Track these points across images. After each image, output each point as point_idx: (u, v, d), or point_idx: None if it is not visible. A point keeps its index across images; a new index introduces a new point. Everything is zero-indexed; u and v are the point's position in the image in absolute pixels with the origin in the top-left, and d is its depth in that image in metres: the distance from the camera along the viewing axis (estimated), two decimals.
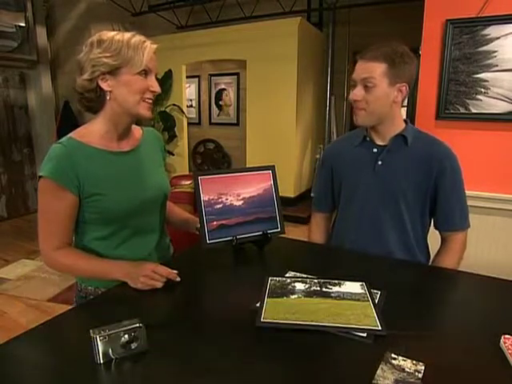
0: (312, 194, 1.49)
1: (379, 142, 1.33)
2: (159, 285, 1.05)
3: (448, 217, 1.35)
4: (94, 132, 1.09)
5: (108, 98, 1.05)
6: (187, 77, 5.82)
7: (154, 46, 1.09)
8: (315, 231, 1.60)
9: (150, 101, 1.08)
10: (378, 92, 1.22)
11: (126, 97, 1.04)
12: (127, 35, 1.04)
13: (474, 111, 2.06)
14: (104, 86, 1.04)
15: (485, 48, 2.00)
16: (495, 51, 1.98)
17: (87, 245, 1.14)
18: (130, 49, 1.02)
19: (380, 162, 1.32)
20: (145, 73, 1.05)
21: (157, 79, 1.11)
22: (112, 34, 1.04)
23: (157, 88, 1.07)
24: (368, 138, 1.35)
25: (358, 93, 1.24)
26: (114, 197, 1.08)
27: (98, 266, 1.09)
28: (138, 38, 1.05)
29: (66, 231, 1.08)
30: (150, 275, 1.04)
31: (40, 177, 1.03)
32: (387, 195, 1.32)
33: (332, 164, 1.47)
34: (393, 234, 1.35)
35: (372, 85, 1.22)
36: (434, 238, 1.44)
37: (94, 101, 1.07)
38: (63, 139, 1.07)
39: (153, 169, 1.22)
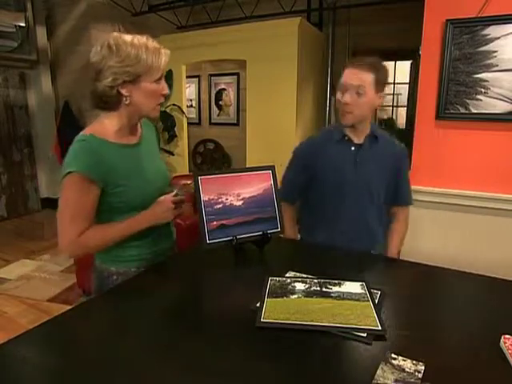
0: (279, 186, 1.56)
1: (356, 141, 1.51)
2: (182, 210, 1.24)
3: (404, 195, 1.65)
4: (108, 128, 1.15)
5: (126, 101, 1.12)
6: (187, 77, 5.81)
7: (168, 52, 1.16)
8: (287, 222, 1.61)
9: (160, 103, 1.18)
10: (366, 99, 1.40)
11: (144, 102, 1.13)
12: (142, 40, 1.09)
13: (474, 111, 2.06)
14: (123, 91, 1.10)
15: (485, 48, 2.00)
16: (495, 51, 1.98)
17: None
18: (149, 57, 1.08)
19: (359, 159, 1.50)
20: (160, 77, 1.13)
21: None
22: (127, 39, 1.08)
23: (167, 90, 1.16)
24: (347, 138, 1.51)
25: (350, 98, 1.40)
26: (134, 186, 1.17)
27: (126, 226, 1.17)
28: (153, 45, 1.10)
29: (89, 221, 1.13)
30: (171, 206, 1.19)
31: (68, 172, 1.07)
32: (368, 186, 1.52)
33: (309, 160, 1.56)
34: (373, 217, 1.58)
35: (363, 92, 1.38)
36: None
37: (110, 103, 1.13)
38: (84, 136, 1.12)
39: (156, 158, 1.33)
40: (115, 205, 1.16)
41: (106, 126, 1.15)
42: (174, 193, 1.22)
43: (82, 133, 1.13)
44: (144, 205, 1.19)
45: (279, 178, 1.46)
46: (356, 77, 1.38)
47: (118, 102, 1.12)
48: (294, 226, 1.69)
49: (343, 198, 1.52)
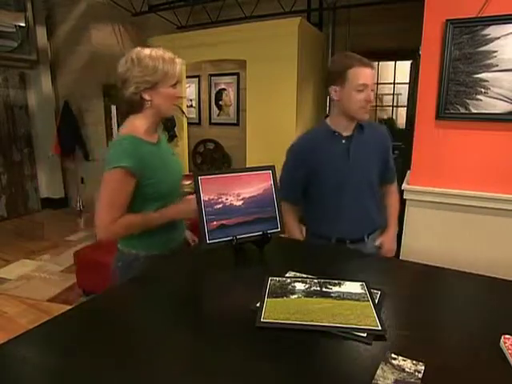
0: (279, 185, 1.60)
1: (345, 134, 1.56)
2: None
3: (392, 172, 1.75)
4: (139, 128, 1.33)
5: (148, 105, 1.32)
6: (187, 77, 5.81)
7: (182, 60, 1.35)
8: (291, 219, 1.69)
9: (176, 104, 1.39)
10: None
11: (162, 103, 1.33)
12: (159, 53, 1.29)
13: (474, 111, 2.05)
14: (145, 96, 1.30)
15: (485, 48, 2.00)
16: (495, 51, 1.98)
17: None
18: (165, 67, 1.27)
19: (352, 150, 1.55)
20: (175, 83, 1.32)
21: None
22: (146, 52, 1.28)
23: (183, 94, 1.39)
24: (336, 133, 1.56)
25: (373, 96, 1.49)
26: (162, 178, 1.35)
27: (152, 219, 1.34)
28: (168, 56, 1.30)
29: (123, 210, 1.30)
30: (195, 206, 1.32)
31: (113, 167, 1.25)
32: (364, 174, 1.60)
33: (306, 155, 1.59)
34: (372, 202, 1.65)
35: (373, 89, 1.50)
36: None
37: (136, 106, 1.32)
38: (125, 136, 1.30)
39: (172, 155, 1.51)
40: (148, 195, 1.34)
41: (137, 125, 1.33)
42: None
43: (120, 133, 1.33)
44: (170, 193, 1.39)
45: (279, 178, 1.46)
46: (373, 76, 1.49)
47: (142, 105, 1.31)
48: (298, 226, 1.72)
49: (342, 190, 1.57)
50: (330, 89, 1.51)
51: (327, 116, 1.67)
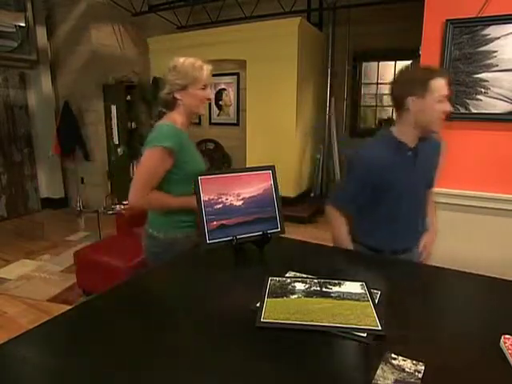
0: (332, 197, 1.60)
1: (411, 145, 1.51)
2: None
3: (435, 179, 1.69)
4: (176, 120, 1.55)
5: (180, 103, 1.56)
6: None
7: (210, 67, 1.59)
8: (344, 229, 1.62)
9: (205, 104, 1.61)
10: None
11: (192, 103, 1.56)
12: (190, 60, 1.54)
13: (474, 111, 2.06)
14: (177, 96, 1.55)
15: (485, 48, 2.00)
16: (495, 51, 1.98)
17: (174, 194, 1.56)
18: (194, 72, 1.52)
19: (417, 162, 1.52)
20: (204, 86, 1.55)
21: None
22: (181, 60, 1.54)
23: (210, 96, 1.62)
24: (403, 144, 1.51)
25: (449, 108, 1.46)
26: (191, 163, 1.55)
27: (179, 200, 1.53)
28: (199, 63, 1.54)
29: (156, 183, 1.49)
30: None
31: (154, 146, 1.45)
32: (424, 185, 1.60)
33: (374, 170, 1.49)
34: (424, 210, 1.65)
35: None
36: None
37: (170, 105, 1.58)
38: (167, 122, 1.52)
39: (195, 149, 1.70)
40: (176, 176, 1.52)
41: (175, 118, 1.56)
42: None
43: (162, 122, 1.54)
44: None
45: (280, 178, 1.46)
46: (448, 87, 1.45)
47: (175, 103, 1.56)
48: (348, 235, 1.63)
49: (402, 201, 1.53)
50: (407, 99, 1.42)
51: (387, 124, 1.61)
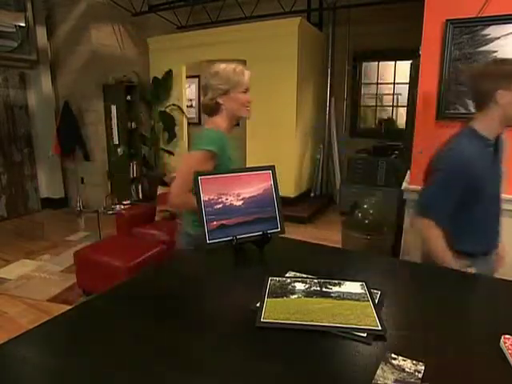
0: (423, 207, 1.52)
1: (492, 141, 1.48)
2: None
3: None
4: (220, 125, 1.62)
5: (222, 108, 1.62)
6: (187, 77, 5.81)
7: (249, 72, 1.64)
8: (442, 242, 1.49)
9: (248, 107, 1.66)
10: None
11: (234, 107, 1.62)
12: (232, 66, 1.59)
13: (474, 111, 2.06)
14: (220, 101, 1.60)
15: (485, 48, 2.00)
16: (495, 51, 1.98)
17: None
18: (235, 77, 1.57)
19: (498, 158, 1.50)
20: (245, 90, 1.61)
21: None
22: (222, 66, 1.59)
23: (250, 99, 1.65)
24: (487, 140, 1.46)
25: None
26: (225, 164, 1.58)
27: None
28: (239, 68, 1.60)
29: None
30: None
31: (200, 149, 1.53)
32: (501, 181, 1.55)
33: (466, 172, 1.44)
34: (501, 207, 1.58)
35: None
36: None
37: (213, 110, 1.64)
38: (212, 128, 1.61)
39: (235, 151, 1.74)
40: None
41: (218, 122, 1.63)
42: None
43: (206, 126, 1.63)
44: None
45: (280, 179, 1.46)
46: None
47: (218, 108, 1.62)
48: (447, 248, 1.50)
49: (491, 201, 1.51)
50: (496, 93, 1.38)
51: (465, 120, 1.55)
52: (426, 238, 1.51)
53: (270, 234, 1.38)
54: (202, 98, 1.66)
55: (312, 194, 5.69)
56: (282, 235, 1.43)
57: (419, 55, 2.21)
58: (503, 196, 1.54)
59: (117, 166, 5.28)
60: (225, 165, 1.61)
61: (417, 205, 1.58)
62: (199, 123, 6.72)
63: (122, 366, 0.80)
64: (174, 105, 5.62)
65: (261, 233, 1.37)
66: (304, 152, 5.39)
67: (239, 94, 1.60)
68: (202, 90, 1.67)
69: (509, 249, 1.62)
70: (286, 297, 1.04)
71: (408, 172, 2.33)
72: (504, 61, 1.48)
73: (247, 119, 1.92)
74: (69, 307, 1.07)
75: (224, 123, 1.64)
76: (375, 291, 1.07)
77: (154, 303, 1.06)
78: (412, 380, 0.73)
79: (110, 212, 3.96)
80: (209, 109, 1.66)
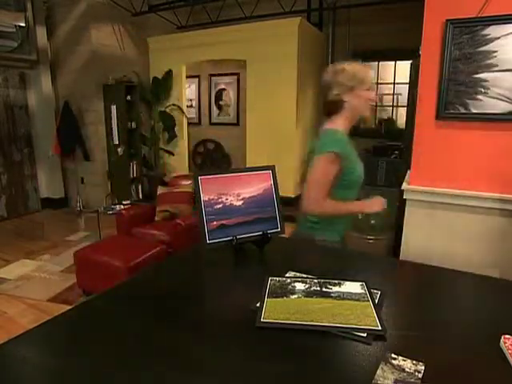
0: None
1: None
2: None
3: None
4: (340, 125, 1.62)
5: (346, 106, 1.60)
6: (187, 77, 5.82)
7: (372, 70, 1.63)
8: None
9: (371, 106, 1.64)
10: None
11: (358, 104, 1.60)
12: (356, 63, 1.62)
13: (474, 111, 2.05)
14: (344, 97, 1.59)
15: (485, 48, 1.99)
16: (495, 51, 1.97)
17: (337, 199, 1.60)
18: (360, 74, 1.58)
19: None
20: (369, 88, 1.60)
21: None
22: (347, 63, 1.60)
23: (374, 98, 1.68)
24: None
25: None
26: (356, 169, 1.61)
27: (350, 206, 1.62)
28: (364, 66, 1.63)
29: (330, 189, 1.55)
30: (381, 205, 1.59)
31: (327, 151, 1.53)
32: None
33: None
34: None
35: None
36: None
37: (335, 108, 1.62)
38: (335, 130, 1.61)
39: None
40: (343, 182, 1.57)
41: (339, 123, 1.62)
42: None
43: (329, 127, 1.63)
44: (357, 184, 1.64)
45: (280, 178, 1.46)
46: None
47: (341, 106, 1.60)
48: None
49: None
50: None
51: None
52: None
53: (269, 233, 1.38)
54: (323, 97, 1.65)
55: None
56: (282, 235, 1.43)
57: (419, 55, 2.21)
58: (500, 196, 1.52)
59: (117, 166, 5.28)
60: (355, 169, 1.59)
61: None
62: (199, 123, 6.72)
63: (122, 365, 0.80)
64: (173, 105, 5.62)
65: (261, 233, 1.37)
66: (304, 152, 5.39)
67: (363, 92, 1.59)
68: (323, 87, 1.65)
69: (509, 248, 1.62)
70: (286, 297, 1.04)
71: (408, 172, 2.33)
72: None
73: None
74: (69, 307, 1.07)
75: (344, 123, 1.63)
76: (375, 291, 1.07)
77: (154, 303, 1.06)
78: (412, 380, 0.73)
79: (110, 212, 3.96)
80: (331, 106, 1.64)
